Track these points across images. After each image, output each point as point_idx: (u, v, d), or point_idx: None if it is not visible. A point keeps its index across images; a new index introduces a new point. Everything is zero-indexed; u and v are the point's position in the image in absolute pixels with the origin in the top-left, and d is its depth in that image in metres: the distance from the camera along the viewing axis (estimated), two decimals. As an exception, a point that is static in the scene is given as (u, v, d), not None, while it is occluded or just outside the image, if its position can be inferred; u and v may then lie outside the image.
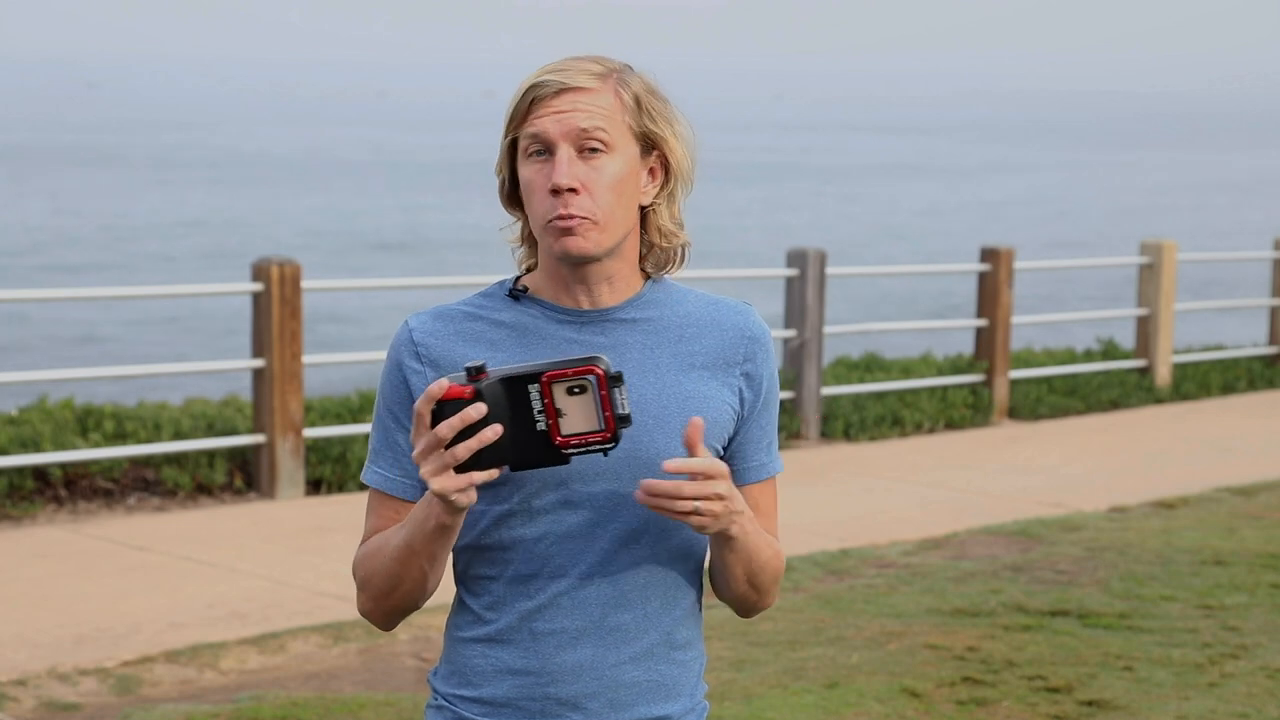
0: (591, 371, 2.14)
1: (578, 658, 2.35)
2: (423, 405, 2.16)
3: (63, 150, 62.57)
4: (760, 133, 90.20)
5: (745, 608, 2.48)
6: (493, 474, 2.18)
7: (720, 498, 2.23)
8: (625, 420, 2.16)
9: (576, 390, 2.15)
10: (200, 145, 68.62)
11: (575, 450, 2.17)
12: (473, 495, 2.21)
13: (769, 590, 2.46)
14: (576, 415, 2.16)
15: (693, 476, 2.22)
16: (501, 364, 2.35)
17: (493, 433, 2.14)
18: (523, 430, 2.16)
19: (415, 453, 2.18)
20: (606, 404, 2.15)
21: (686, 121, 2.42)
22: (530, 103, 2.33)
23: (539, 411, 2.15)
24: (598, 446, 2.17)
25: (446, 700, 2.42)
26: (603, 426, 2.15)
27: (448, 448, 2.16)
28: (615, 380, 2.15)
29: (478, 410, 2.14)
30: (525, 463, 2.18)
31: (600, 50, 2.51)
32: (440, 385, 2.15)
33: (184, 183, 49.17)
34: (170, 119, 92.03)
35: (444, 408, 2.15)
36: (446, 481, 2.17)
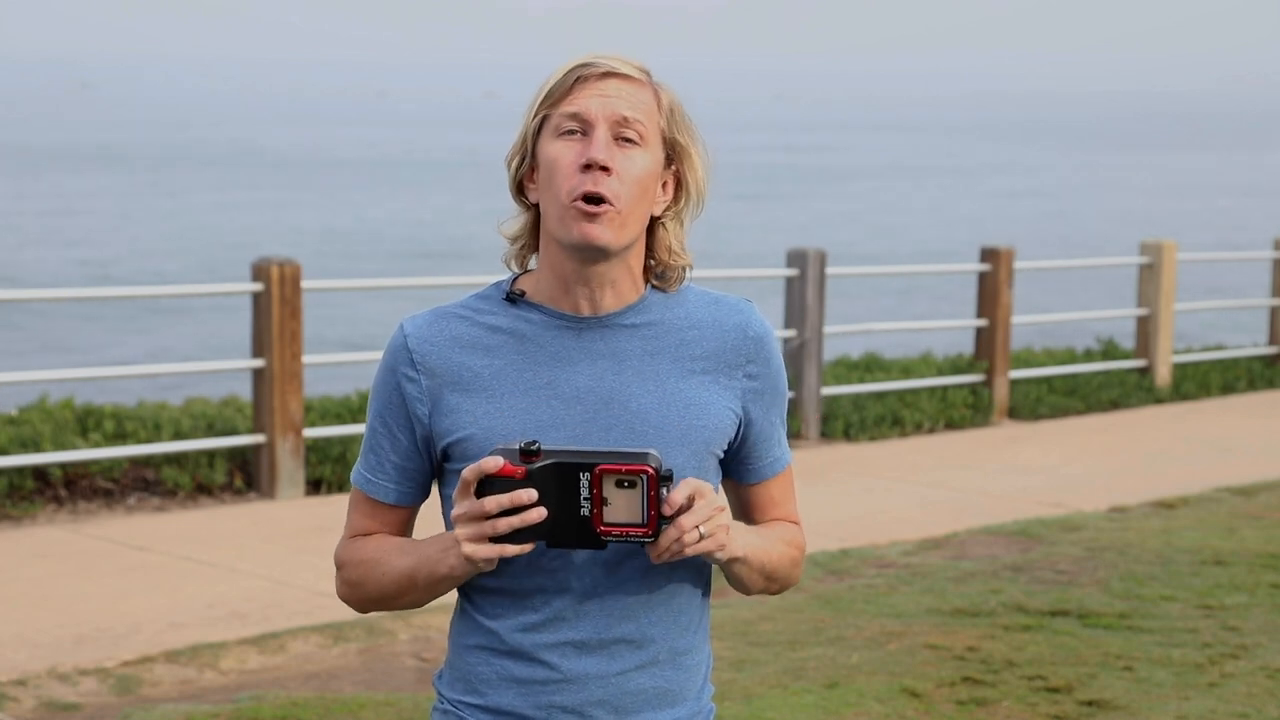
0: (644, 471, 2.17)
1: (583, 668, 2.35)
2: (471, 475, 2.19)
3: (60, 150, 62.55)
4: (760, 133, 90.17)
5: (769, 594, 2.50)
6: (526, 549, 2.22)
7: (719, 510, 2.24)
8: (668, 520, 2.20)
9: (626, 484, 2.18)
10: (200, 145, 68.60)
11: (614, 539, 2.20)
12: (495, 564, 2.24)
13: (790, 577, 2.48)
14: (621, 507, 2.18)
15: (688, 502, 2.21)
16: (500, 372, 2.34)
17: (537, 515, 2.18)
18: (565, 512, 2.19)
19: (455, 513, 2.21)
20: (653, 503, 2.18)
21: (706, 145, 2.41)
22: (574, 81, 2.30)
23: (585, 498, 2.18)
24: (637, 539, 2.20)
25: (453, 705, 2.42)
26: (645, 523, 2.19)
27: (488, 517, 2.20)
28: (665, 480, 2.18)
29: (529, 495, 2.17)
30: (561, 542, 2.22)
31: (601, 48, 2.51)
32: (495, 462, 2.18)
33: (183, 183, 49.15)
34: (170, 119, 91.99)
35: (494, 482, 2.18)
36: (479, 550, 2.21)
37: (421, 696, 5.90)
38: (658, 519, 2.18)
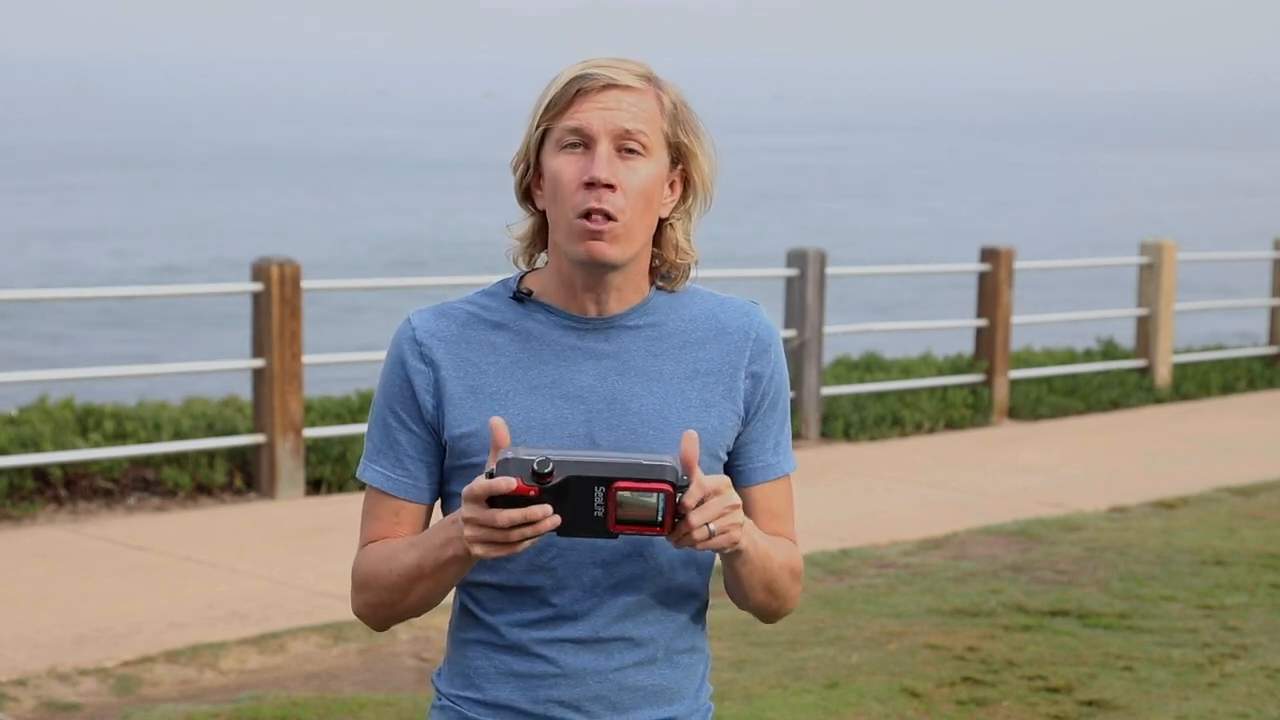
0: (661, 489, 2.15)
1: (581, 664, 2.35)
2: (483, 490, 2.14)
3: (59, 151, 62.55)
4: (760, 133, 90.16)
5: (767, 614, 2.45)
6: (534, 542, 2.19)
7: (733, 508, 2.21)
8: (681, 518, 2.19)
9: (643, 495, 2.17)
10: (200, 145, 68.58)
11: (626, 533, 2.19)
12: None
13: (789, 594, 2.43)
14: (636, 509, 2.17)
15: (701, 498, 2.20)
16: (505, 370, 2.34)
17: (551, 525, 2.15)
18: (579, 511, 2.18)
19: (466, 516, 2.17)
20: (669, 512, 2.17)
21: (711, 140, 2.39)
22: (575, 94, 2.29)
23: (599, 504, 2.17)
24: (649, 535, 2.20)
25: (451, 701, 2.42)
26: (660, 523, 2.18)
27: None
28: (681, 489, 2.17)
29: (543, 511, 2.15)
30: (572, 533, 2.20)
31: (602, 50, 2.49)
32: (508, 483, 2.13)
33: (183, 183, 49.15)
34: (170, 119, 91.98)
35: (507, 496, 2.17)
36: (489, 551, 2.19)
37: (421, 696, 5.90)
38: (673, 521, 2.18)
